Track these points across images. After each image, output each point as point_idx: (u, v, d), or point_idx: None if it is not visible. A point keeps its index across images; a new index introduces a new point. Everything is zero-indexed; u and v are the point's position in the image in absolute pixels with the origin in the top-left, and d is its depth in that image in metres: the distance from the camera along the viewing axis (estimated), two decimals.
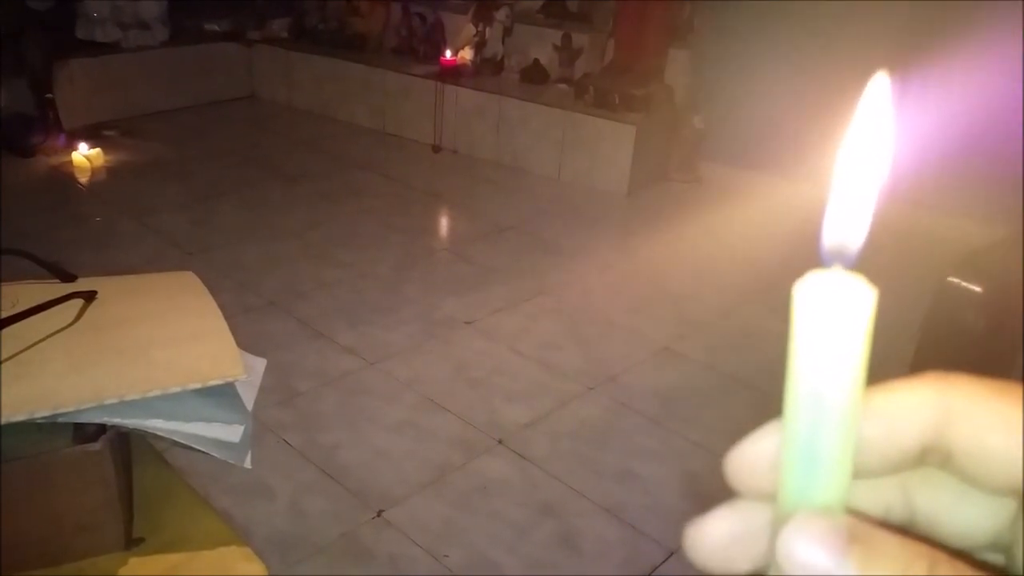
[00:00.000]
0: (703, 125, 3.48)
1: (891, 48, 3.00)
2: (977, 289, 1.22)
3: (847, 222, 0.19)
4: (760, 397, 2.11)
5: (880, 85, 0.19)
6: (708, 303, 2.57)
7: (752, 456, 0.20)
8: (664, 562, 1.57)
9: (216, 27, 4.28)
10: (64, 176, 3.27)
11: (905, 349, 1.45)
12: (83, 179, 3.27)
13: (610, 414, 2.01)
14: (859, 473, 0.19)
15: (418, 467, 1.77)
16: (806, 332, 0.18)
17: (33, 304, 0.70)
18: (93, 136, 3.46)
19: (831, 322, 0.18)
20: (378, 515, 1.62)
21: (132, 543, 0.69)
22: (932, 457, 0.20)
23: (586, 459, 1.84)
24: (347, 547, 1.54)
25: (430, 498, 1.68)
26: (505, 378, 2.11)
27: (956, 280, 1.25)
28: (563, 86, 3.66)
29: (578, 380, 2.12)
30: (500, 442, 1.86)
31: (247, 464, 0.71)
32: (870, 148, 0.18)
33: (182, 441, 0.67)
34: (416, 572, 1.51)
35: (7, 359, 0.65)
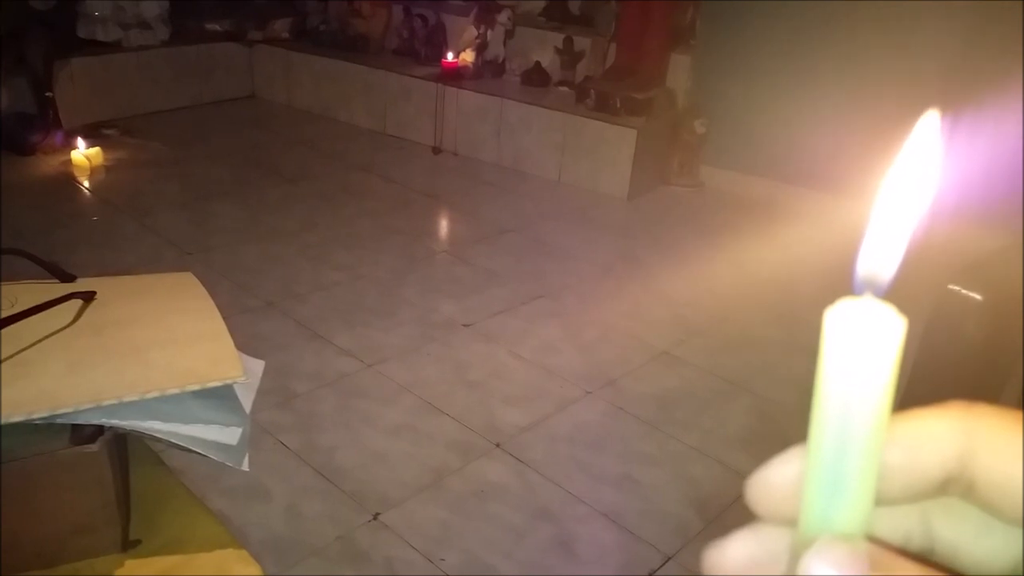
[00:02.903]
0: (704, 130, 3.48)
1: (896, 51, 3.00)
2: (978, 297, 1.21)
3: (881, 252, 0.19)
4: (758, 402, 2.11)
5: (929, 124, 0.19)
6: (707, 308, 2.56)
7: (775, 481, 0.20)
8: (661, 567, 1.57)
9: (217, 27, 4.28)
10: (63, 175, 3.27)
11: (905, 357, 1.45)
12: (82, 178, 3.26)
13: (608, 418, 2.00)
14: (881, 500, 0.19)
15: (415, 470, 1.76)
16: (835, 359, 0.18)
17: (32, 304, 0.70)
18: (93, 135, 3.46)
19: (861, 350, 0.18)
20: (375, 518, 1.62)
21: (129, 545, 0.69)
22: (954, 487, 0.20)
23: (584, 463, 1.83)
24: (343, 550, 1.54)
25: (427, 501, 1.68)
26: (503, 381, 2.10)
27: (956, 288, 1.25)
28: (564, 89, 3.66)
29: (577, 384, 2.12)
30: (498, 446, 1.86)
31: (244, 466, 0.70)
32: (913, 185, 0.19)
33: (180, 443, 0.66)
34: (412, 575, 1.51)
35: (5, 359, 0.65)
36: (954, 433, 0.19)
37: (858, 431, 0.18)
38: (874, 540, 0.18)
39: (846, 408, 0.18)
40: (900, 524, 0.21)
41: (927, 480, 0.19)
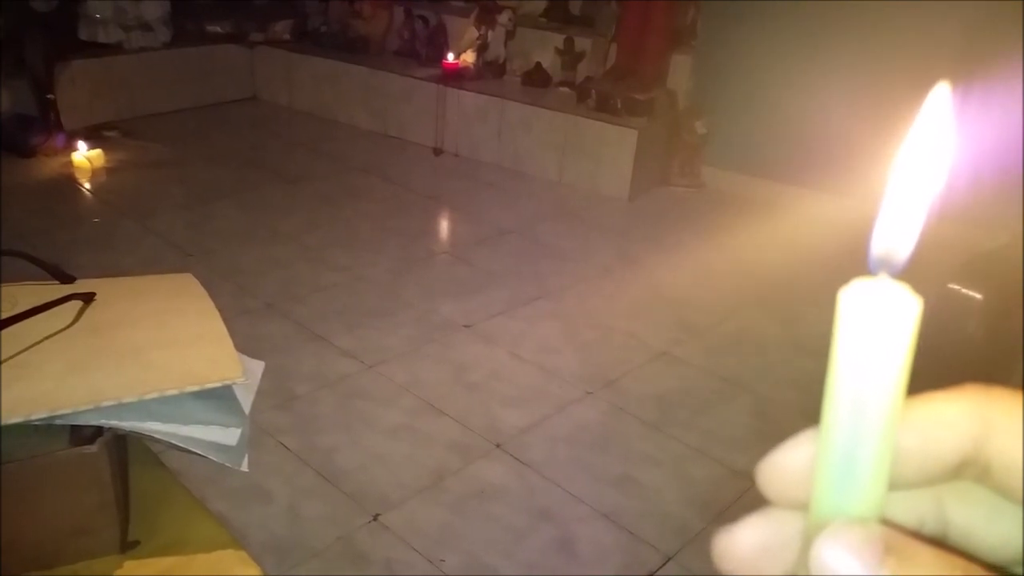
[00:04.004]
0: (705, 130, 3.48)
1: (897, 51, 3.00)
2: (977, 296, 1.22)
3: (897, 231, 0.19)
4: (759, 402, 2.11)
5: (940, 96, 0.18)
6: (707, 308, 2.56)
7: (786, 465, 0.20)
8: (661, 567, 1.57)
9: (218, 29, 4.28)
10: (65, 177, 3.27)
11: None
12: (83, 180, 3.27)
13: (608, 419, 2.00)
14: (895, 484, 0.19)
15: (415, 471, 1.77)
16: (849, 339, 0.18)
17: (32, 305, 0.70)
18: (94, 137, 3.46)
19: (875, 330, 0.18)
20: (375, 519, 1.62)
21: (128, 546, 0.69)
22: (969, 470, 0.19)
23: (584, 464, 1.83)
24: (343, 551, 1.54)
25: (427, 502, 1.68)
26: (503, 382, 2.11)
27: (956, 287, 1.25)
28: (565, 90, 3.66)
29: (576, 385, 2.12)
30: (498, 446, 1.86)
31: (244, 467, 0.71)
32: (927, 159, 0.18)
33: (179, 444, 0.67)
34: None
35: (5, 360, 0.65)
36: (970, 416, 0.19)
37: (872, 413, 0.18)
38: (888, 524, 0.18)
39: (860, 390, 0.18)
40: (913, 508, 0.20)
41: (942, 463, 0.19)
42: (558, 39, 3.72)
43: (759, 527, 0.21)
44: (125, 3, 3.85)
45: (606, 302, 2.58)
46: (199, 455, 0.67)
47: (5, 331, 0.67)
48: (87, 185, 3.24)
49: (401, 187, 3.44)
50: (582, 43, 3.69)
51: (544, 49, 3.78)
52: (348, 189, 3.37)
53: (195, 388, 0.67)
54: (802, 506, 0.20)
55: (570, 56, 3.68)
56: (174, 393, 0.66)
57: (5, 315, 0.69)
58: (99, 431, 0.64)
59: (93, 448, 0.63)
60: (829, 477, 0.19)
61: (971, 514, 0.20)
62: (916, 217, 0.18)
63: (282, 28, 4.38)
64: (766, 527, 0.21)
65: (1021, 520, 0.19)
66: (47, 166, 3.33)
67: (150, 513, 0.73)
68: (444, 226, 3.29)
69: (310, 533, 1.58)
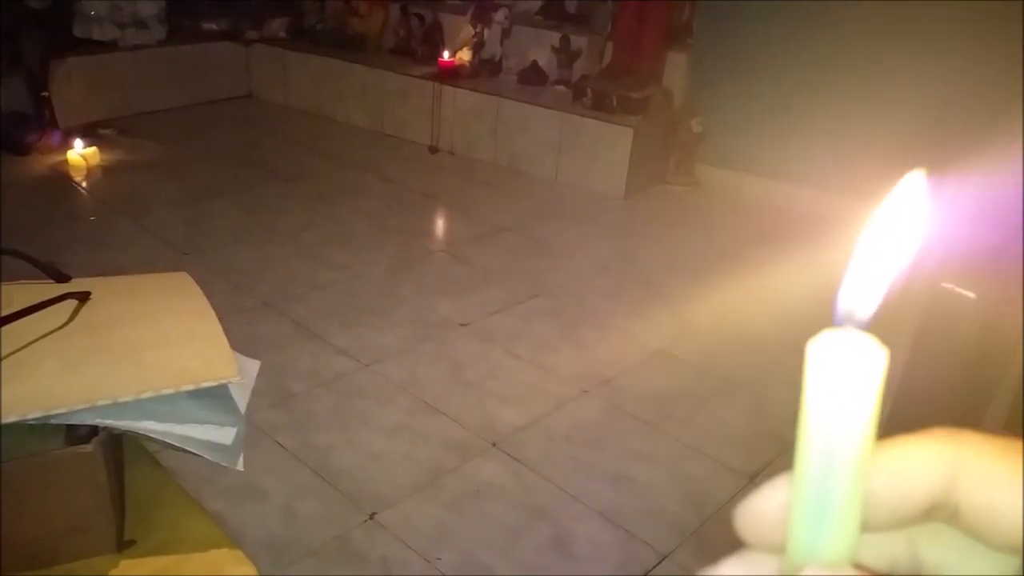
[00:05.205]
0: (701, 128, 3.49)
1: (892, 49, 3.01)
2: (971, 295, 1.22)
3: (863, 290, 0.19)
4: (754, 401, 2.11)
5: (914, 182, 0.19)
6: (704, 306, 2.57)
7: (762, 509, 0.21)
8: (657, 566, 1.57)
9: (214, 26, 4.27)
10: (60, 175, 3.26)
11: (897, 356, 1.45)
12: (79, 178, 3.26)
13: (605, 417, 2.01)
14: (867, 527, 0.19)
15: (411, 470, 1.77)
16: (819, 390, 0.19)
17: (27, 304, 0.70)
18: (89, 135, 3.45)
19: (844, 381, 0.18)
20: (371, 518, 1.62)
21: (123, 545, 0.69)
22: (940, 512, 0.20)
23: (580, 462, 1.84)
24: (339, 550, 1.54)
25: (423, 501, 1.68)
26: (500, 380, 2.11)
27: (949, 286, 1.25)
28: (561, 88, 3.66)
29: (573, 383, 2.12)
30: (494, 445, 1.86)
31: (239, 466, 0.71)
32: (897, 234, 0.19)
33: (174, 443, 0.67)
34: (408, 575, 1.51)
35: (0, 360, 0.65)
36: (939, 459, 0.19)
37: (842, 459, 0.19)
38: (861, 566, 0.19)
39: (830, 437, 0.19)
40: (886, 550, 0.21)
41: (913, 506, 0.20)
42: (554, 37, 3.71)
43: (736, 569, 0.21)
44: (120, 0, 3.84)
45: (603, 300, 2.58)
46: (195, 454, 0.67)
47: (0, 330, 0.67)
48: (82, 183, 3.23)
49: (397, 185, 3.43)
50: (578, 41, 3.69)
51: (540, 47, 3.78)
52: (344, 187, 3.36)
53: (191, 387, 0.67)
54: (779, 549, 0.20)
55: (566, 54, 3.68)
56: (170, 392, 0.66)
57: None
58: (94, 430, 0.64)
59: (88, 447, 0.63)
60: (802, 521, 0.19)
61: (943, 555, 0.20)
62: (882, 283, 0.19)
63: (278, 26, 4.38)
64: (743, 569, 0.21)
65: (992, 561, 0.20)
66: (42, 164, 3.32)
67: (145, 512, 0.73)
68: (440, 224, 3.29)
69: (306, 532, 1.58)
